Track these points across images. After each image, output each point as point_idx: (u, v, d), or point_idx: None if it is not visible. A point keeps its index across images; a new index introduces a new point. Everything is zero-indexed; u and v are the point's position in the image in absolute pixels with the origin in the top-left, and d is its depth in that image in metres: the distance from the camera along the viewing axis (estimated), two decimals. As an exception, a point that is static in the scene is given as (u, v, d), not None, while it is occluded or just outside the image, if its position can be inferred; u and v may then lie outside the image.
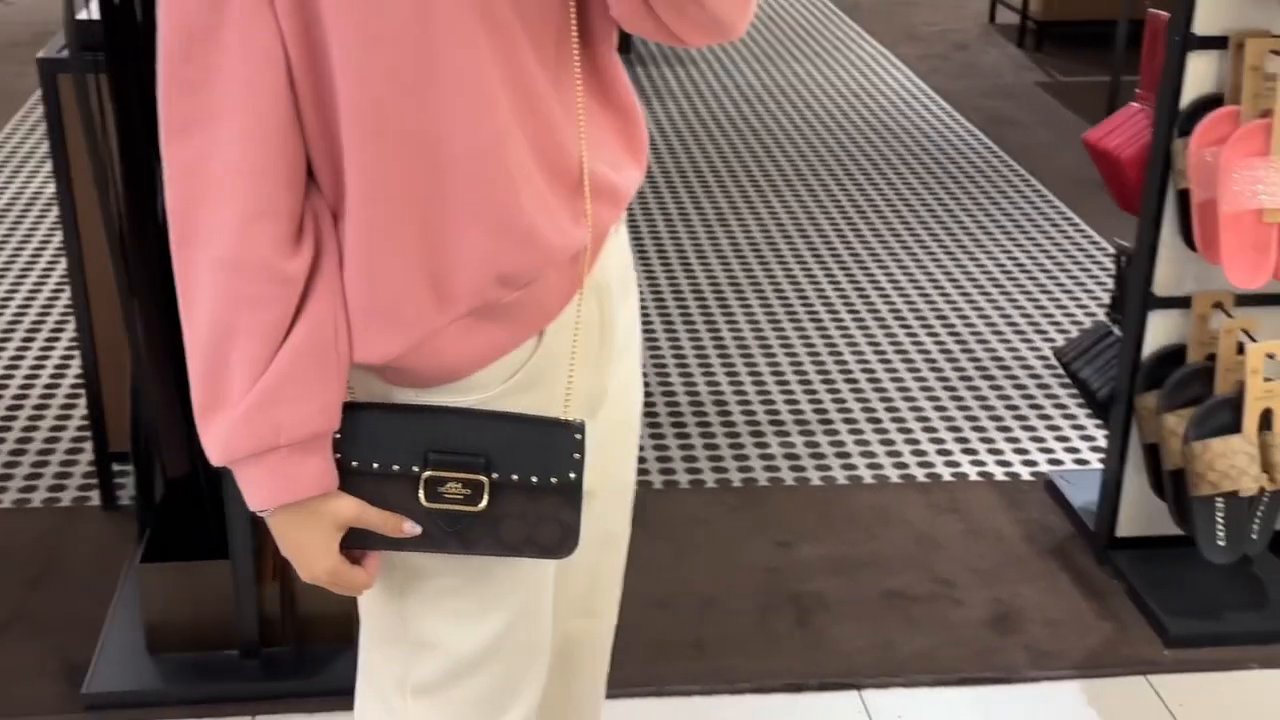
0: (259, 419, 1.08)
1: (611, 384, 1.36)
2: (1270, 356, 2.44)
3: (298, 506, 1.14)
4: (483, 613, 1.26)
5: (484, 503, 1.16)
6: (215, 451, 1.12)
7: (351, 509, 1.15)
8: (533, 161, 1.15)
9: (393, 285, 1.12)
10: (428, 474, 1.15)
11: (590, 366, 1.28)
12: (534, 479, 1.17)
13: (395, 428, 1.17)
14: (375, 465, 1.16)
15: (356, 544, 1.19)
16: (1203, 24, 2.36)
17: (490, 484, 1.16)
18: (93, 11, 2.19)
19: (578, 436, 1.19)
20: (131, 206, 2.19)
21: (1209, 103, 2.39)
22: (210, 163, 1.08)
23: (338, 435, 1.15)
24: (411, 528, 1.15)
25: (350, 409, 1.17)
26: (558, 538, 1.20)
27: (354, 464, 1.16)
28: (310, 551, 1.18)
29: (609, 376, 1.34)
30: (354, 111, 1.09)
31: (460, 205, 1.13)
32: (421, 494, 1.16)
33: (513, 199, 1.14)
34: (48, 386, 3.30)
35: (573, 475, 1.19)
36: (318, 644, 2.36)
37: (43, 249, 4.08)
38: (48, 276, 3.89)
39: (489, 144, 1.11)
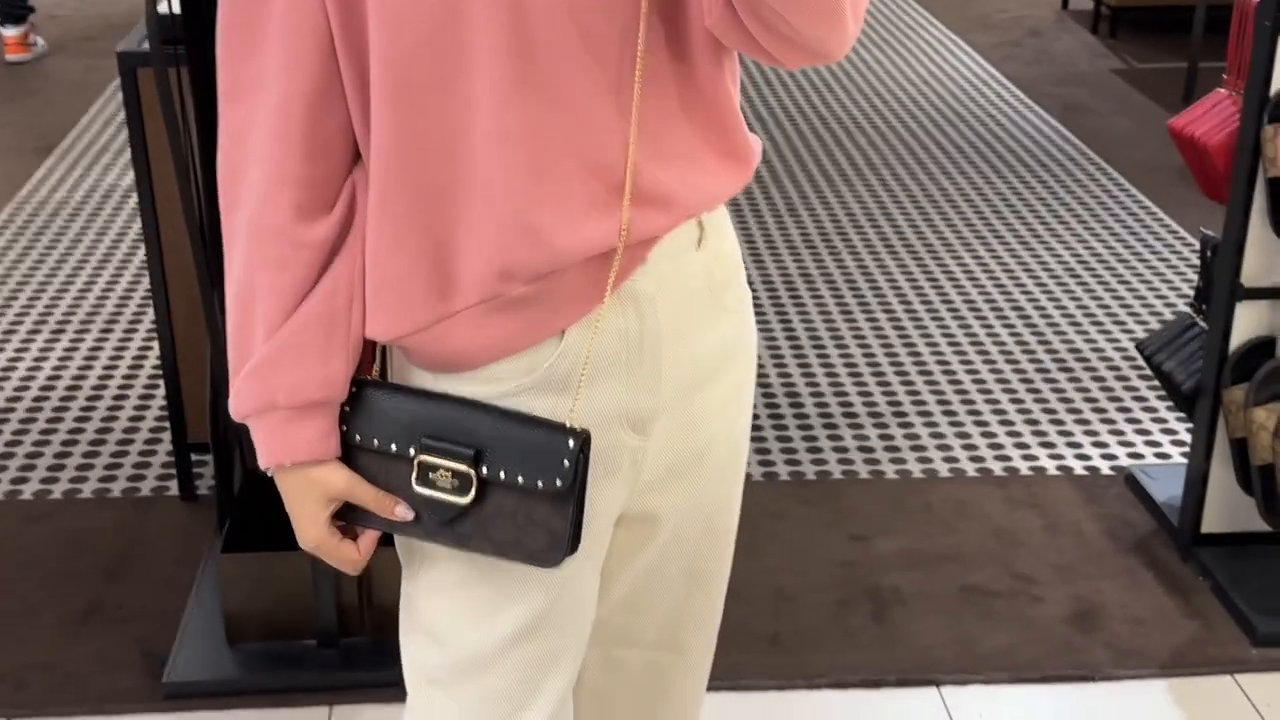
0: (262, 378, 1.14)
1: (687, 411, 1.30)
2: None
3: (293, 470, 1.17)
4: (493, 612, 1.25)
5: (470, 496, 1.16)
6: (231, 406, 1.18)
7: (342, 482, 1.17)
8: (561, 158, 1.14)
9: (399, 265, 1.15)
10: (420, 458, 1.16)
11: (622, 380, 1.23)
12: (521, 479, 1.16)
13: (399, 408, 1.18)
14: (375, 443, 1.17)
15: (356, 520, 1.21)
16: (1294, 5, 2.32)
17: (479, 478, 1.16)
18: (173, 5, 2.21)
19: (572, 444, 1.15)
20: (213, 198, 2.21)
21: (1303, 83, 2.35)
22: (251, 129, 1.13)
23: (346, 408, 1.18)
24: (404, 511, 1.17)
25: (361, 385, 1.19)
26: (544, 545, 1.17)
27: (357, 438, 1.18)
28: (301, 518, 1.21)
29: (666, 397, 1.27)
30: (379, 88, 1.11)
31: (470, 193, 1.13)
32: (414, 478, 1.16)
33: (523, 192, 1.13)
34: (126, 377, 3.35)
35: (560, 483, 1.15)
36: (394, 635, 2.37)
37: (120, 240, 4.14)
38: (125, 267, 3.95)
39: (509, 132, 1.11)
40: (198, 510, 2.79)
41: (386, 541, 2.49)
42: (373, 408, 1.19)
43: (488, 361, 1.18)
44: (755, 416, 3.14)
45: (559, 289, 1.16)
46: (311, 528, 1.20)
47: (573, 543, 1.18)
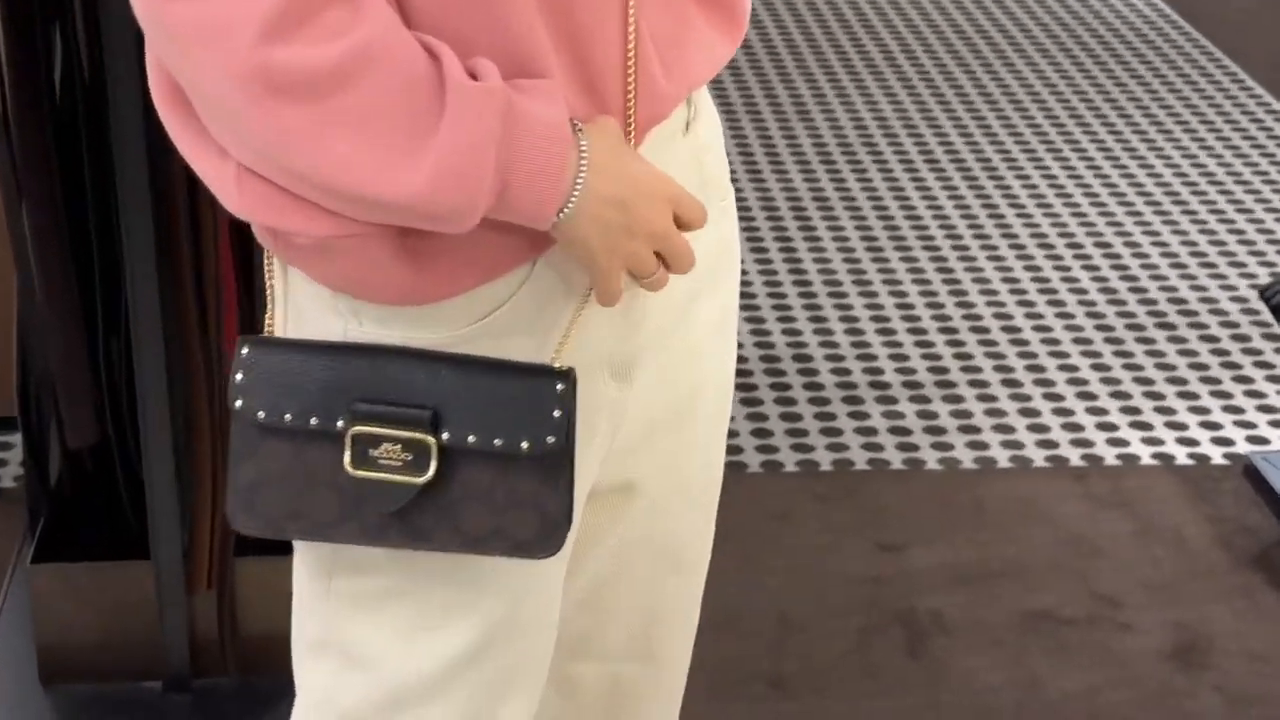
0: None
1: (674, 346, 1.33)
2: None
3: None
4: (438, 625, 1.25)
5: (430, 472, 1.14)
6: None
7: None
8: (545, 33, 1.14)
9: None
10: (354, 429, 1.15)
11: (609, 315, 1.24)
12: (498, 442, 1.15)
13: (314, 366, 1.17)
14: (288, 418, 1.16)
15: (295, 526, 1.20)
16: None
17: (439, 447, 1.15)
18: None
19: (560, 387, 1.15)
20: (19, 90, 2.19)
21: None
22: None
23: (238, 377, 1.17)
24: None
25: (259, 345, 1.18)
26: (535, 530, 1.18)
27: (260, 415, 1.17)
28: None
29: (651, 330, 1.29)
30: None
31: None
32: (347, 458, 1.15)
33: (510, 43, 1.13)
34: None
35: (551, 439, 1.15)
36: (266, 674, 2.36)
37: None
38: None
39: None
40: (3, 507, 2.77)
41: (258, 551, 2.50)
42: (277, 370, 1.17)
43: (440, 296, 1.17)
44: (752, 389, 3.17)
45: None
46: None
47: (570, 521, 1.18)
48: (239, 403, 1.17)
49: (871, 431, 3.07)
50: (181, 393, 2.23)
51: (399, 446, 1.15)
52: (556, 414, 1.14)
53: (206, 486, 2.30)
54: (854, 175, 4.06)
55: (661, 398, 1.31)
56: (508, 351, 1.17)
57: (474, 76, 1.08)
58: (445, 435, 1.14)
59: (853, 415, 3.11)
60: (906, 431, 3.07)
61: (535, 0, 1.12)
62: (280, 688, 2.32)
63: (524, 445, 1.15)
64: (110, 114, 2.08)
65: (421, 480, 1.14)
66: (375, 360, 1.16)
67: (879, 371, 3.25)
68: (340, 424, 1.15)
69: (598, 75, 1.17)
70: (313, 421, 1.16)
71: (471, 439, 1.15)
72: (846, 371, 3.25)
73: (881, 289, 3.54)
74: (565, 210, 1.13)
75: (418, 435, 1.14)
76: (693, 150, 1.28)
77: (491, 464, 1.17)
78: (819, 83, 4.56)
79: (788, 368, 3.26)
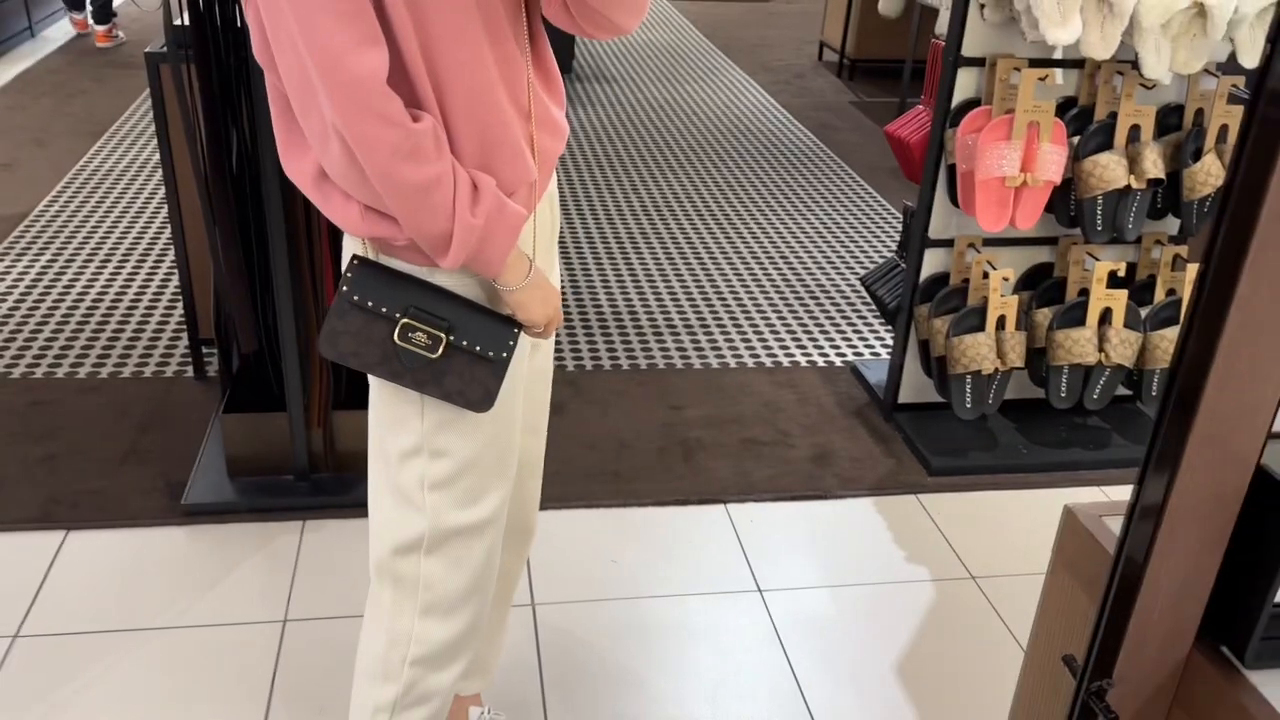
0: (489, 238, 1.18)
1: (553, 266, 1.34)
2: (1005, 279, 2.48)
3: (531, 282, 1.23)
4: (473, 434, 1.24)
5: (439, 353, 1.15)
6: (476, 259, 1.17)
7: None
8: (509, 102, 1.12)
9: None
10: (404, 321, 1.15)
11: (545, 254, 1.28)
12: (478, 349, 1.16)
13: (393, 285, 1.16)
14: (370, 304, 1.15)
15: (354, 359, 1.18)
16: (968, 48, 2.37)
17: (447, 342, 1.15)
18: (185, 18, 2.11)
19: (516, 330, 1.19)
20: (212, 158, 2.13)
21: (970, 104, 2.40)
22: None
23: (347, 273, 1.16)
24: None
25: (364, 263, 1.16)
26: (480, 396, 1.19)
27: (355, 297, 1.15)
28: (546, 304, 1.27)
29: (554, 261, 1.34)
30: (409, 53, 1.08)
31: (460, 133, 1.09)
32: (395, 334, 1.15)
33: (504, 128, 1.11)
34: (155, 292, 3.21)
35: (504, 355, 1.18)
36: (349, 472, 2.35)
37: (150, 199, 3.94)
38: (155, 218, 3.76)
39: (482, 97, 1.09)
40: (207, 387, 2.71)
41: (343, 408, 2.42)
42: (375, 282, 1.16)
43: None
44: (606, 326, 3.19)
45: (516, 200, 1.17)
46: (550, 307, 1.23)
47: (493, 399, 1.19)
48: (344, 287, 1.16)
49: (666, 349, 3.06)
50: (302, 322, 2.18)
51: (425, 336, 1.14)
52: (510, 344, 1.18)
53: (315, 374, 2.26)
54: (660, 221, 4.04)
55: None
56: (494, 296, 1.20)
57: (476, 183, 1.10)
58: (453, 336, 1.15)
59: (656, 340, 3.11)
60: (684, 349, 3.07)
61: (502, 132, 1.12)
62: (355, 478, 2.31)
63: (489, 354, 1.17)
64: (262, 172, 2.02)
65: (433, 356, 1.15)
66: (425, 290, 1.16)
67: (670, 318, 3.24)
68: (397, 315, 1.15)
69: (516, 155, 1.16)
70: (383, 309, 1.15)
71: (465, 343, 1.16)
72: (655, 319, 3.24)
73: (673, 277, 3.54)
74: (510, 281, 1.17)
75: (439, 333, 1.15)
76: (550, 196, 1.29)
77: (470, 358, 1.16)
78: (641, 172, 4.51)
79: (624, 316, 3.24)
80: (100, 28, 6.02)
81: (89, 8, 6.08)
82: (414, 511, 1.26)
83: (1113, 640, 0.90)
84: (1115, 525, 1.01)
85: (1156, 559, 0.86)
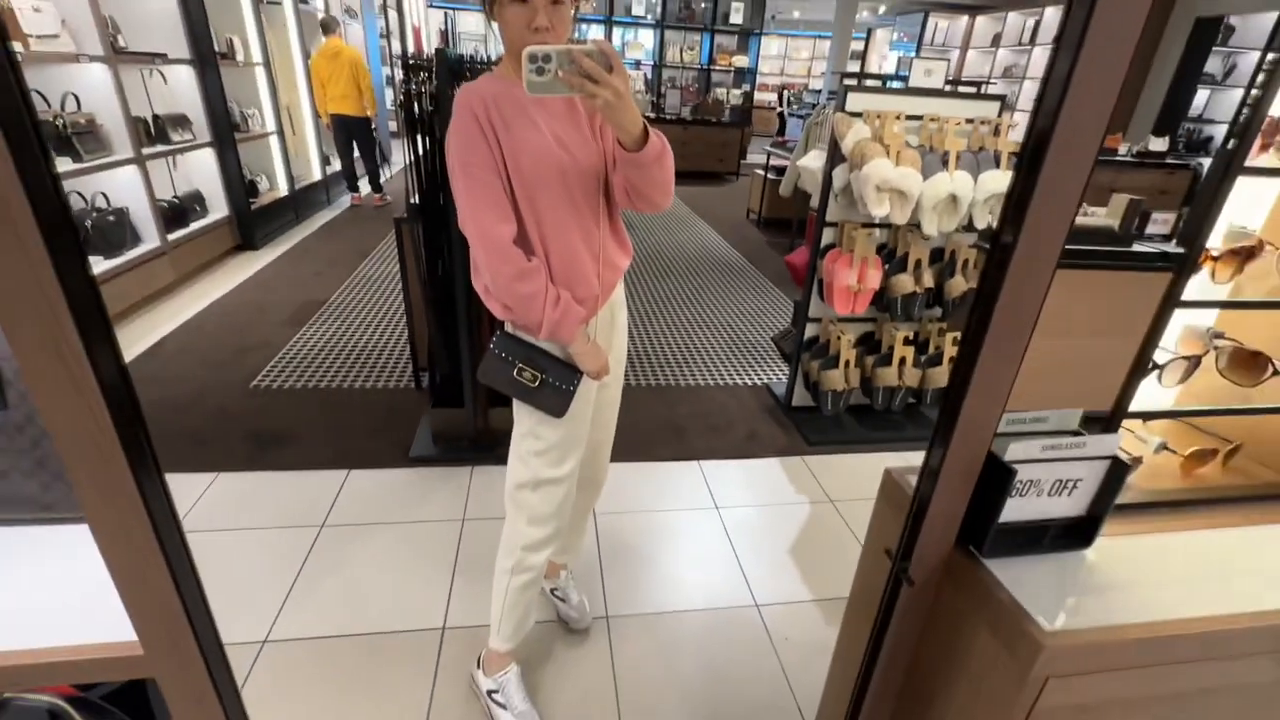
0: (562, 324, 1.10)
1: (614, 349, 1.25)
2: (849, 340, 2.47)
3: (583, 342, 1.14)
4: (556, 427, 1.19)
5: (536, 384, 1.11)
6: (555, 335, 1.11)
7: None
8: (585, 251, 1.11)
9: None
10: (519, 365, 1.12)
11: (604, 335, 1.22)
12: (558, 384, 1.11)
13: (518, 344, 1.13)
14: (506, 356, 1.13)
15: (495, 384, 1.12)
16: (830, 216, 2.36)
17: (541, 379, 1.11)
18: (415, 199, 2.15)
19: (579, 375, 1.12)
20: (429, 273, 2.15)
21: (830, 246, 2.39)
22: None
23: (495, 339, 1.12)
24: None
25: (502, 335, 1.14)
26: (556, 408, 1.13)
27: (498, 351, 1.13)
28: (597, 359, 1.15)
29: (613, 343, 1.25)
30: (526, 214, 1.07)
31: (554, 268, 1.09)
32: (514, 372, 1.12)
33: (579, 266, 1.10)
34: (394, 342, 3.21)
35: (571, 388, 1.12)
36: (496, 443, 2.32)
37: (394, 293, 3.98)
38: (395, 301, 3.80)
39: (568, 247, 1.09)
40: (421, 393, 2.70)
41: (493, 405, 2.36)
42: (506, 342, 1.13)
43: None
44: (634, 361, 3.15)
45: (586, 305, 1.13)
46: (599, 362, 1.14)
47: (567, 409, 1.14)
48: (493, 345, 1.14)
49: (667, 374, 3.00)
50: (474, 360, 2.16)
51: (530, 375, 1.10)
52: (576, 381, 1.11)
53: (479, 389, 2.25)
54: (656, 315, 3.90)
55: (616, 356, 1.26)
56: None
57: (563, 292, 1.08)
58: (545, 376, 1.11)
59: (662, 370, 3.05)
60: (679, 378, 3.00)
61: (578, 253, 1.08)
62: (499, 445, 2.27)
63: (563, 387, 1.11)
64: (455, 282, 2.01)
65: (533, 386, 1.11)
66: (533, 350, 1.12)
67: (671, 358, 3.17)
68: (517, 362, 1.11)
69: (587, 281, 1.12)
70: (509, 358, 1.12)
71: (551, 379, 1.11)
72: (658, 359, 3.18)
73: (673, 340, 3.44)
74: (575, 348, 1.10)
75: (537, 373, 1.10)
76: (620, 290, 1.23)
77: (553, 388, 1.11)
78: (643, 286, 4.45)
79: (640, 358, 3.21)
80: (376, 195, 5.89)
81: (364, 188, 6.00)
82: (523, 467, 1.24)
83: (912, 540, 0.91)
84: (912, 479, 1.02)
85: (936, 498, 0.87)
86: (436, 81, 1.82)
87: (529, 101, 1.03)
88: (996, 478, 0.90)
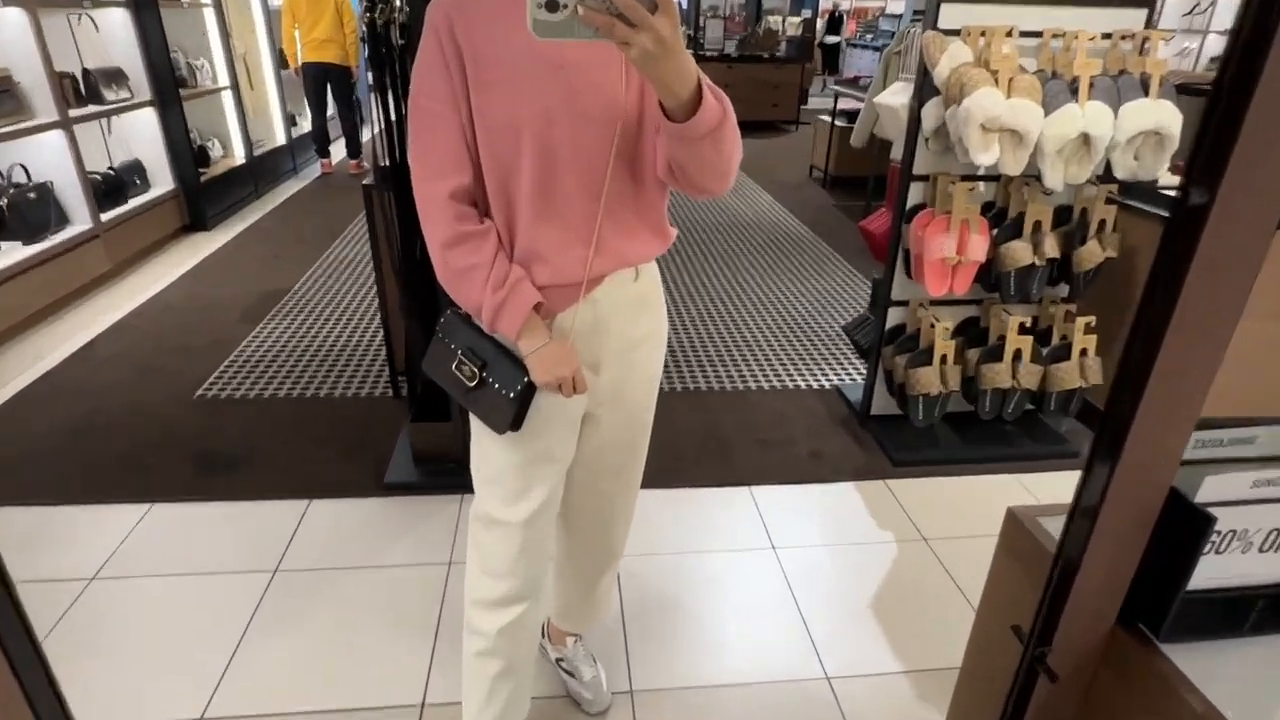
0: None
1: (622, 365, 1.12)
2: (946, 329, 2.34)
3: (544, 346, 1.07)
4: (508, 450, 1.11)
5: (475, 383, 1.04)
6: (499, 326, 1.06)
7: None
8: (570, 232, 1.01)
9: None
10: (460, 354, 1.06)
11: (584, 342, 1.08)
12: (497, 385, 1.03)
13: (465, 330, 1.07)
14: (450, 344, 1.07)
15: (438, 379, 1.08)
16: (917, 168, 2.24)
17: (480, 377, 1.04)
18: (383, 161, 2.10)
19: (525, 379, 1.02)
20: (405, 260, 2.11)
21: (919, 207, 2.27)
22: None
23: (442, 319, 1.08)
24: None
25: (450, 317, 1.09)
26: (498, 422, 1.05)
27: (441, 335, 1.08)
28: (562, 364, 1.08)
29: (609, 353, 1.10)
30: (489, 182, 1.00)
31: (517, 242, 1.02)
32: (454, 364, 1.06)
33: (546, 246, 1.01)
34: (367, 341, 3.21)
35: (511, 394, 1.03)
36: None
37: (367, 279, 3.99)
38: (368, 290, 3.80)
39: (544, 221, 1.00)
40: (400, 403, 2.68)
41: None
42: (452, 325, 1.08)
43: None
44: (670, 360, 3.10)
45: (550, 296, 1.04)
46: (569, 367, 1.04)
47: (514, 425, 1.04)
48: (438, 330, 1.09)
49: (706, 376, 2.95)
50: None
51: (468, 370, 1.04)
52: (519, 387, 1.02)
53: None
54: (716, 294, 3.92)
55: (618, 381, 1.14)
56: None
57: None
58: (485, 373, 1.04)
59: (700, 370, 3.01)
60: (722, 379, 2.95)
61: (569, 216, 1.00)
62: None
63: (503, 392, 1.03)
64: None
65: (471, 384, 1.05)
66: (479, 336, 1.06)
67: (714, 359, 3.14)
68: (458, 351, 1.06)
69: (564, 262, 1.03)
70: (451, 345, 1.06)
71: (490, 379, 1.04)
72: (703, 359, 3.14)
73: (718, 330, 3.42)
74: (523, 346, 1.02)
75: (475, 368, 1.04)
76: (639, 288, 1.10)
77: (495, 391, 1.04)
78: (700, 258, 4.42)
79: (679, 358, 3.15)
80: (353, 161, 5.99)
81: (338, 154, 6.16)
82: (476, 495, 1.17)
83: (1053, 615, 0.79)
84: (1048, 524, 0.89)
85: (1090, 556, 0.75)
86: (409, 6, 1.73)
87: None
88: (1183, 527, 0.77)
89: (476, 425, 1.13)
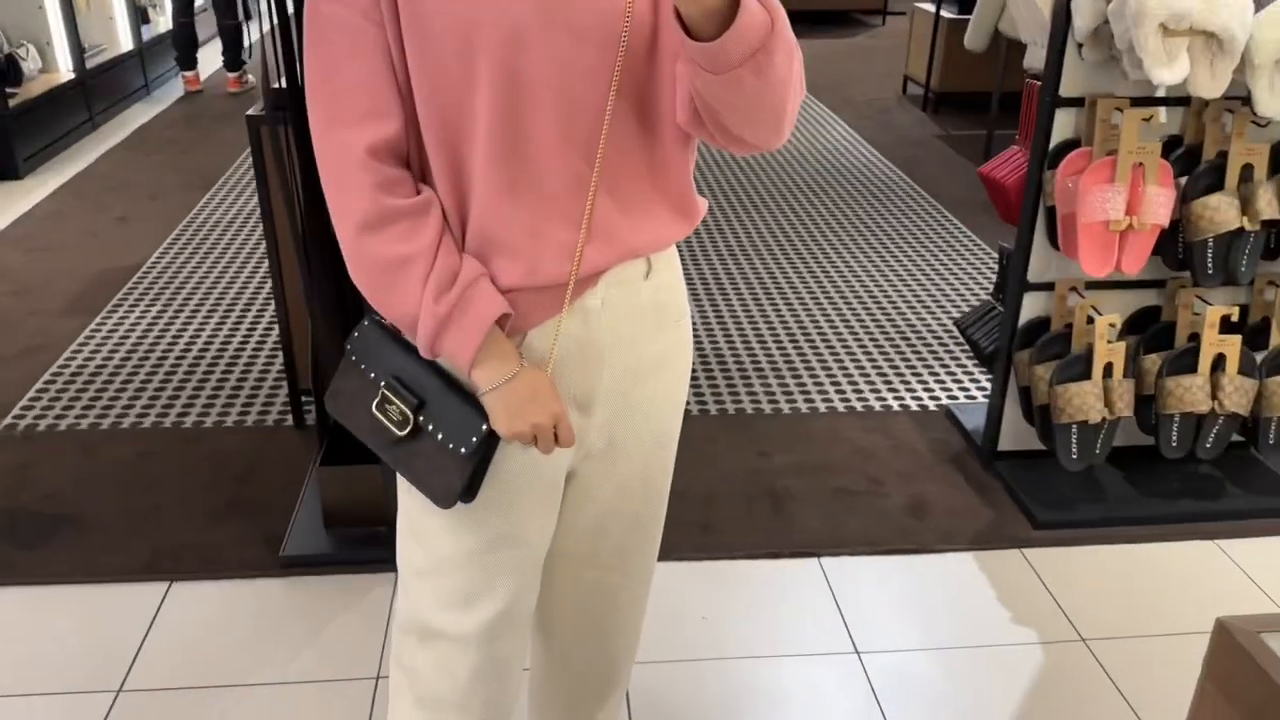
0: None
1: (631, 399, 1.11)
2: (1111, 325, 2.34)
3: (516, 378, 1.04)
4: (456, 531, 1.08)
5: (406, 432, 1.01)
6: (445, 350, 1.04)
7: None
8: (551, 208, 0.98)
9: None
10: (384, 390, 1.02)
11: (569, 371, 1.05)
12: (440, 436, 1.00)
13: (388, 350, 1.04)
14: (363, 366, 1.05)
15: (348, 422, 1.08)
16: (1066, 88, 2.25)
17: (415, 423, 1.01)
18: (282, 83, 2.12)
19: (485, 428, 0.99)
20: (310, 220, 2.12)
21: (1069, 145, 2.27)
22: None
23: (355, 333, 1.07)
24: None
25: (368, 326, 1.07)
26: (441, 491, 1.01)
27: (353, 357, 1.06)
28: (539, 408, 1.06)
29: (606, 389, 1.08)
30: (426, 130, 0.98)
31: (470, 222, 0.99)
32: (374, 401, 1.03)
33: (511, 226, 0.98)
34: (258, 343, 3.25)
35: (464, 451, 1.00)
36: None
37: (252, 253, 4.02)
38: (256, 271, 3.83)
39: (508, 189, 0.97)
40: (305, 436, 2.70)
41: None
42: (372, 341, 1.05)
43: None
44: (694, 373, 3.11)
45: (522, 301, 1.00)
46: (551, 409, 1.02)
47: (466, 495, 1.01)
48: (349, 347, 1.07)
49: (755, 394, 2.98)
50: None
51: (397, 411, 1.02)
52: (474, 440, 0.99)
53: None
54: (756, 258, 3.96)
55: (616, 427, 1.12)
56: None
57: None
58: (421, 417, 1.01)
59: (745, 386, 3.03)
60: (774, 394, 2.98)
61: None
62: None
63: (451, 446, 1.00)
64: None
65: (401, 434, 1.02)
66: (413, 360, 1.02)
67: (760, 365, 3.16)
68: (381, 382, 1.03)
69: (543, 254, 1.00)
70: (371, 374, 1.04)
71: (431, 427, 1.01)
72: (743, 364, 3.16)
73: (762, 324, 3.46)
74: (479, 378, 0.99)
75: (407, 410, 1.01)
76: (653, 289, 1.08)
77: (438, 444, 1.01)
78: (739, 211, 4.46)
79: (712, 362, 3.17)
80: (232, 75, 6.25)
81: (217, 62, 6.31)
82: (403, 593, 1.14)
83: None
84: (1276, 643, 0.89)
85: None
86: None
87: None
88: None
89: (407, 494, 1.09)
